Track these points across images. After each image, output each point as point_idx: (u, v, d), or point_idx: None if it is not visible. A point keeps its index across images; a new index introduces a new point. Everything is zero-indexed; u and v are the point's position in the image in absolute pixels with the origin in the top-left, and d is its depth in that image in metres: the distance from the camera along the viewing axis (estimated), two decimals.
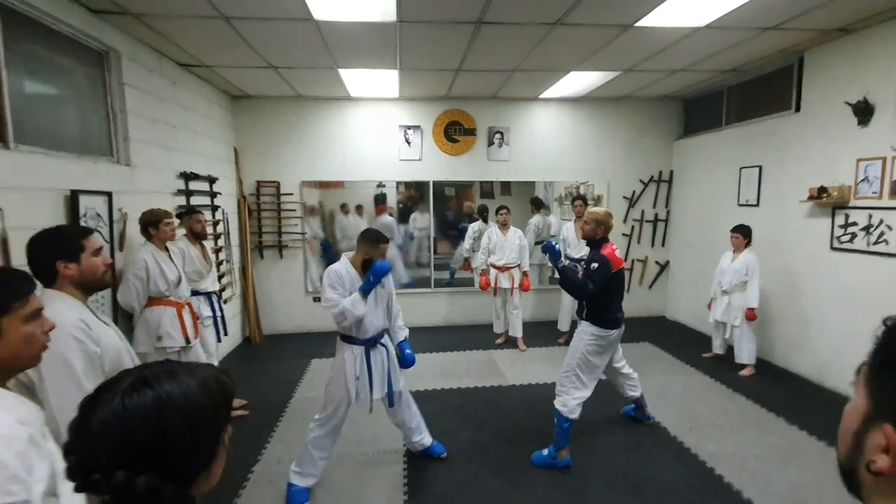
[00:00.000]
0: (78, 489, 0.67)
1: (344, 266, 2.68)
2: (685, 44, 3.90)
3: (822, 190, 3.96)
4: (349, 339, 2.75)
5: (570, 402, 2.97)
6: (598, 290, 2.86)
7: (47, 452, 1.05)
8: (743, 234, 4.40)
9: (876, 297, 3.62)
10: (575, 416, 2.96)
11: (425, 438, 3.11)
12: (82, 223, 2.87)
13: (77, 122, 3.11)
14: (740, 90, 5.13)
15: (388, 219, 6.14)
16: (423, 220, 6.20)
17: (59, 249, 1.63)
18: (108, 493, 0.66)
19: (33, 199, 2.56)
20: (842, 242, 3.91)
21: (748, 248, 4.42)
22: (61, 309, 1.55)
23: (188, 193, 4.28)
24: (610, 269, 2.86)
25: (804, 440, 3.26)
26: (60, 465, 1.07)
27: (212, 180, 4.77)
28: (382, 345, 2.82)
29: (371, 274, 2.63)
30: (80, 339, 1.54)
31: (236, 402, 3.87)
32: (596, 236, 3.01)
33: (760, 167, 4.78)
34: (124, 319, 3.27)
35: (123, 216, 3.31)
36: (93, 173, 3.06)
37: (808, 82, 4.22)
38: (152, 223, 3.23)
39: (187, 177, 4.27)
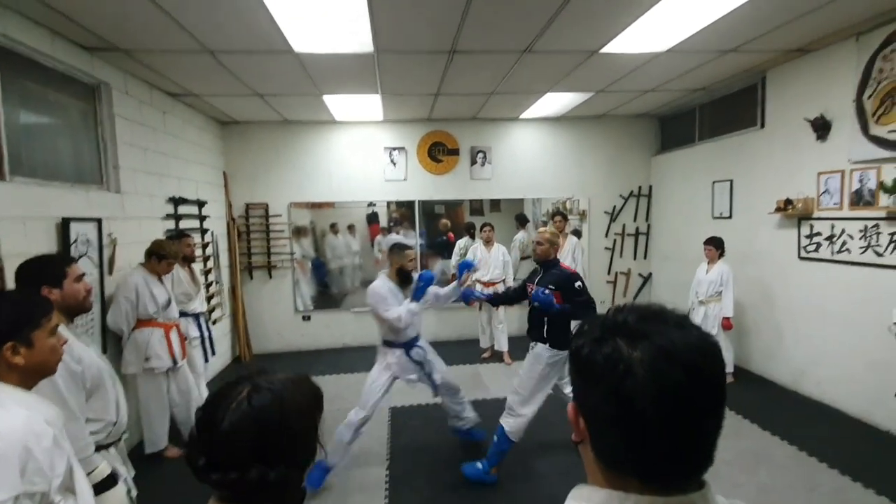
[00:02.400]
0: (214, 486, 0.78)
1: (384, 283, 3.06)
2: (650, 67, 4.10)
3: (788, 202, 4.13)
4: (391, 344, 3.12)
5: (519, 424, 2.97)
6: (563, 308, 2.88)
7: (66, 451, 1.20)
8: (715, 246, 4.55)
9: (842, 304, 3.75)
10: (517, 438, 2.98)
11: (466, 423, 3.46)
12: (73, 249, 2.99)
13: (69, 153, 3.26)
14: (711, 108, 5.34)
15: (393, 237, 6.29)
16: (407, 238, 6.34)
17: (43, 276, 1.78)
18: (244, 487, 0.75)
19: (28, 227, 2.68)
20: (808, 252, 4.06)
21: (721, 258, 4.56)
22: None
23: (177, 217, 4.42)
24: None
25: (776, 445, 3.36)
26: (74, 463, 1.25)
27: (201, 204, 4.91)
28: (419, 346, 3.19)
29: (420, 280, 3.04)
30: (63, 359, 1.65)
31: None
32: (550, 256, 3.02)
33: (732, 181, 4.96)
34: (113, 341, 3.37)
35: (113, 241, 3.43)
36: (84, 201, 3.20)
37: (771, 100, 4.43)
38: (159, 255, 3.37)
39: (176, 201, 4.41)
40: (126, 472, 1.86)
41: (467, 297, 3.34)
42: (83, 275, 1.88)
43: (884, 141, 3.39)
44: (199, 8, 2.74)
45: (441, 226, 6.43)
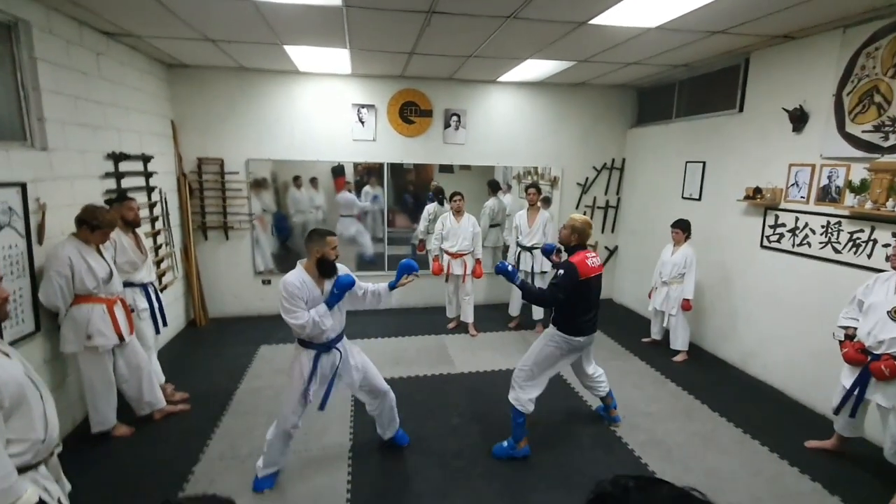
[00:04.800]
0: None
1: (299, 276, 2.65)
2: (637, 41, 3.89)
3: (757, 190, 4.16)
4: (305, 344, 2.77)
5: (522, 397, 3.07)
6: (567, 297, 2.90)
7: None
8: (682, 230, 4.59)
9: (796, 295, 3.90)
10: (528, 409, 3.06)
11: (388, 433, 3.20)
12: None
13: None
14: (691, 85, 5.22)
15: (347, 195, 5.98)
16: (375, 193, 6.08)
17: None
18: None
19: None
20: (771, 242, 4.15)
21: (687, 241, 4.63)
22: None
23: (118, 176, 3.99)
24: (577, 276, 2.89)
25: (723, 427, 3.55)
26: None
27: (146, 159, 4.45)
28: (337, 349, 2.83)
29: (335, 288, 2.68)
30: None
31: (177, 395, 3.78)
32: (570, 243, 3.04)
33: (704, 163, 4.94)
34: (49, 318, 3.08)
35: (41, 206, 3.05)
36: (3, 162, 2.78)
37: (751, 84, 4.34)
38: (90, 225, 3.00)
39: (117, 157, 3.96)
40: (60, 491, 1.70)
41: (500, 271, 2.98)
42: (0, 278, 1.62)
43: (857, 140, 3.40)
44: None
45: (435, 190, 6.12)
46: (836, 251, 3.57)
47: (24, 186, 2.87)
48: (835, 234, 3.58)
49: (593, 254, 3.04)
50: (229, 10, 3.25)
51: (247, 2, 3.07)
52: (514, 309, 5.65)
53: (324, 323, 2.63)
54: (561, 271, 2.95)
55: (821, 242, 3.69)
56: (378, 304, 2.96)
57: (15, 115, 3.01)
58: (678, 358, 4.71)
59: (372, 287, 2.94)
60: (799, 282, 3.88)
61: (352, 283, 2.72)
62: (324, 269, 2.69)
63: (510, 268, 2.98)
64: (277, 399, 3.83)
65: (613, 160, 6.39)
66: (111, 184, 3.90)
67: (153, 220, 4.62)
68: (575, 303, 2.96)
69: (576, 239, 3.03)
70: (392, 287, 2.91)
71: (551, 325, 3.14)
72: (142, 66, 4.56)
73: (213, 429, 3.43)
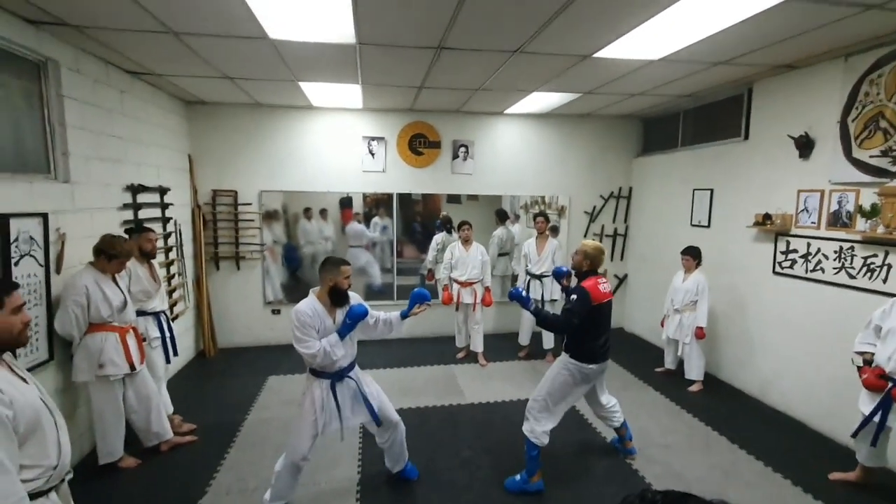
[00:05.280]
0: None
1: (311, 305, 2.65)
2: (641, 73, 4.00)
3: (767, 217, 4.15)
4: (317, 374, 2.75)
5: (536, 429, 3.00)
6: (581, 323, 2.88)
7: None
8: (693, 256, 4.57)
9: (811, 320, 3.83)
10: (543, 441, 2.99)
11: (397, 467, 3.12)
12: (13, 248, 2.70)
13: (9, 139, 2.91)
14: (695, 114, 5.30)
15: (356, 226, 6.06)
16: (384, 223, 6.14)
17: None
18: None
19: None
20: (783, 268, 4.11)
21: (698, 268, 4.59)
22: None
23: (136, 207, 4.09)
24: (590, 301, 2.89)
25: (744, 460, 3.42)
26: None
27: (163, 191, 4.57)
28: (350, 377, 2.81)
29: (347, 317, 2.69)
30: None
31: (185, 427, 3.75)
32: (582, 268, 3.06)
33: (712, 190, 4.96)
34: (62, 346, 3.10)
35: (61, 237, 3.12)
36: (27, 193, 2.88)
37: (756, 112, 4.40)
38: (108, 254, 3.08)
39: (135, 190, 4.08)
40: None
41: (514, 297, 3.00)
42: (23, 305, 1.65)
43: (865, 165, 3.41)
44: None
45: (443, 219, 6.17)
46: (851, 276, 3.52)
47: (45, 217, 2.96)
48: (848, 259, 3.54)
49: (604, 280, 3.05)
50: (249, 49, 3.41)
51: (265, 41, 3.23)
52: (524, 338, 5.59)
53: (335, 352, 2.63)
54: (574, 296, 2.94)
55: (834, 268, 3.65)
56: (389, 332, 2.96)
57: (41, 149, 3.13)
58: (693, 388, 4.59)
59: (384, 316, 2.94)
60: (814, 307, 3.81)
61: (365, 314, 2.72)
62: (336, 298, 2.70)
63: (524, 293, 3.01)
64: (286, 431, 3.80)
65: (620, 189, 6.44)
66: (128, 215, 4.00)
67: (167, 250, 4.70)
68: (588, 328, 2.95)
69: (588, 265, 3.04)
70: (404, 316, 2.90)
71: (564, 353, 3.11)
72: (162, 103, 4.76)
73: (220, 461, 3.37)
